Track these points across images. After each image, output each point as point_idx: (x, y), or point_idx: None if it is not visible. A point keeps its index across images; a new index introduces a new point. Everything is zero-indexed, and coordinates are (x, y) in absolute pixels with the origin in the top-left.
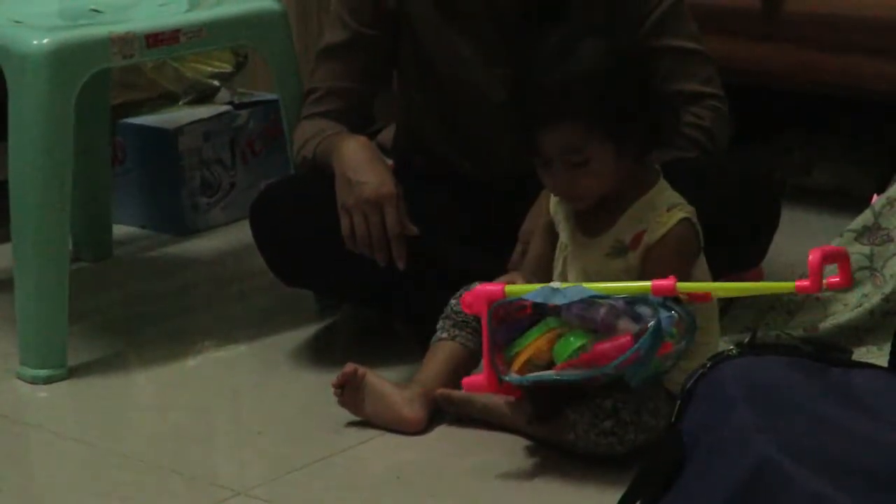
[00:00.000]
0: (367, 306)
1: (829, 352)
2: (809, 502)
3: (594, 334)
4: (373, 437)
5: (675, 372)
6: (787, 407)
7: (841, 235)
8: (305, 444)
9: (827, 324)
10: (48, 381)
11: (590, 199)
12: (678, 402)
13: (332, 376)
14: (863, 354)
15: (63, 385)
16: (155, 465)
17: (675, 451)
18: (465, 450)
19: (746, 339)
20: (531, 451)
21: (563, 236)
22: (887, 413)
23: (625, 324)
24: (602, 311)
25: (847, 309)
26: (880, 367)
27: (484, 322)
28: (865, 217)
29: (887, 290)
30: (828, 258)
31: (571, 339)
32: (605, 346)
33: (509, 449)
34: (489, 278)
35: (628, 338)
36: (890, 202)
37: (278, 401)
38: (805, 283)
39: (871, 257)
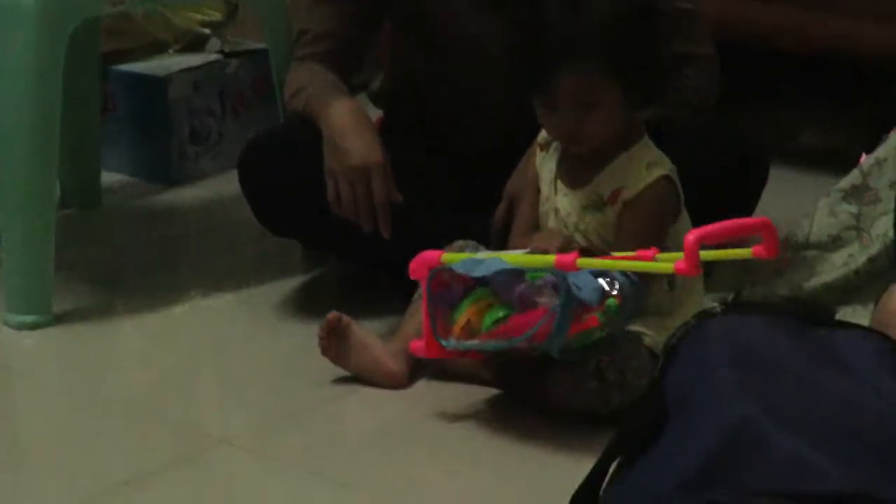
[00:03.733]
0: (352, 258)
1: (814, 312)
2: (789, 463)
3: (515, 307)
4: (357, 390)
5: (658, 331)
6: (769, 367)
7: (829, 195)
8: (290, 394)
9: (812, 283)
10: (34, 327)
11: (590, 144)
12: (661, 359)
13: (317, 327)
14: (848, 314)
15: (49, 332)
16: (140, 413)
17: (656, 409)
18: (447, 404)
19: (731, 298)
20: (513, 409)
21: (545, 189)
22: (869, 375)
23: (546, 300)
24: (521, 287)
25: (833, 268)
26: (865, 328)
27: (423, 288)
28: (853, 177)
29: (873, 250)
30: (706, 238)
31: (495, 310)
32: (521, 318)
33: (491, 406)
34: (475, 236)
35: (541, 311)
36: (878, 162)
37: (264, 351)
38: (682, 264)
39: (858, 217)
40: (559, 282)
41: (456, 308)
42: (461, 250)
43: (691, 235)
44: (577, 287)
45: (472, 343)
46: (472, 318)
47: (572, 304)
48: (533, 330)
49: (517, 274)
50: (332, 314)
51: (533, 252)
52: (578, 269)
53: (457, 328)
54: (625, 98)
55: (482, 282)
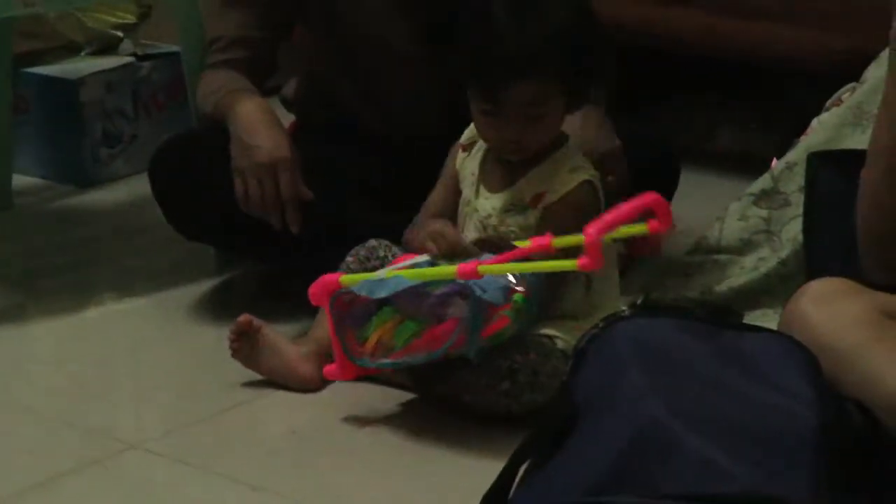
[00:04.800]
0: (264, 262)
1: (722, 315)
2: (696, 464)
3: (426, 321)
4: (270, 393)
5: (572, 334)
6: (677, 369)
7: (740, 199)
8: (202, 398)
9: (723, 286)
10: None
11: (530, 151)
12: (570, 361)
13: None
14: (758, 317)
15: None
16: (50, 418)
17: (565, 411)
18: (361, 407)
19: (640, 301)
20: (426, 411)
21: (467, 191)
22: (775, 375)
23: (455, 309)
24: (429, 300)
25: (744, 272)
26: (771, 331)
27: (327, 312)
28: (764, 181)
29: (784, 253)
30: (606, 230)
31: (409, 324)
32: (435, 331)
33: (404, 408)
34: (389, 234)
35: (452, 322)
36: (789, 166)
37: (176, 355)
38: (585, 260)
39: (768, 221)
40: (464, 289)
41: (364, 326)
42: (373, 250)
43: (591, 229)
44: (482, 290)
45: (388, 361)
46: (383, 337)
47: (481, 309)
48: (449, 342)
49: (420, 289)
50: (243, 317)
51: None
52: (481, 277)
53: (369, 346)
54: (570, 104)
55: (386, 301)
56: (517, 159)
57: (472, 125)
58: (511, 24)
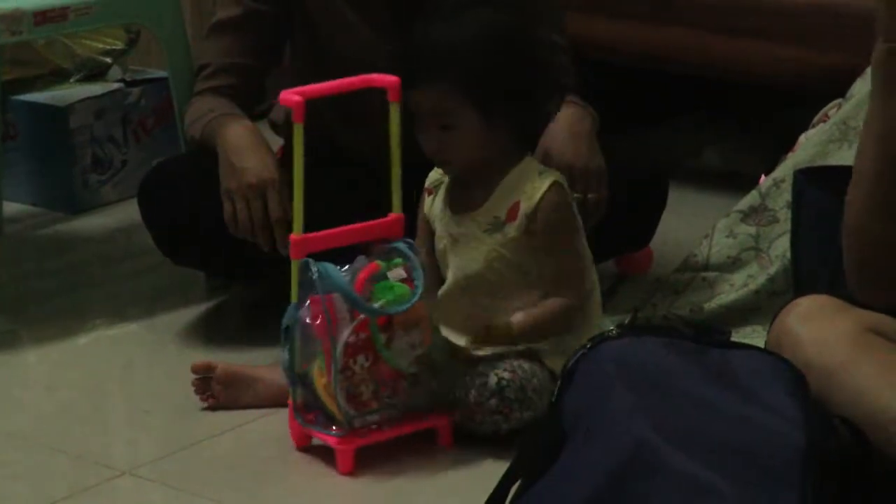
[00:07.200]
0: (253, 285)
1: (709, 333)
2: (683, 482)
3: None
4: (259, 418)
5: (557, 354)
6: (664, 388)
7: (727, 216)
8: (193, 422)
9: (713, 304)
10: None
11: (458, 165)
12: (559, 382)
13: (221, 356)
14: (747, 334)
15: None
16: (42, 444)
17: (554, 431)
18: None
19: (627, 320)
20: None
21: (440, 227)
22: (763, 394)
23: None
24: None
25: (733, 289)
26: (759, 349)
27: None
28: (752, 198)
29: (773, 270)
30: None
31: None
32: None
33: None
34: None
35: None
36: (776, 183)
37: (167, 379)
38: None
39: (756, 238)
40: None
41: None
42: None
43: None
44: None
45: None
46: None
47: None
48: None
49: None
50: (198, 362)
51: None
52: None
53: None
54: (489, 122)
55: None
56: (452, 173)
57: (434, 168)
58: (425, 34)
